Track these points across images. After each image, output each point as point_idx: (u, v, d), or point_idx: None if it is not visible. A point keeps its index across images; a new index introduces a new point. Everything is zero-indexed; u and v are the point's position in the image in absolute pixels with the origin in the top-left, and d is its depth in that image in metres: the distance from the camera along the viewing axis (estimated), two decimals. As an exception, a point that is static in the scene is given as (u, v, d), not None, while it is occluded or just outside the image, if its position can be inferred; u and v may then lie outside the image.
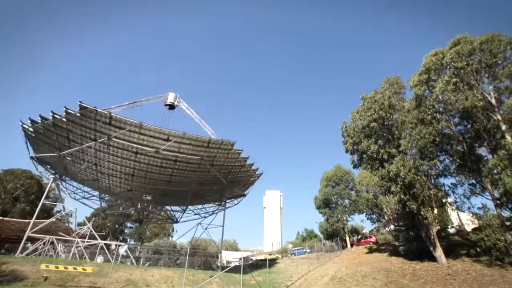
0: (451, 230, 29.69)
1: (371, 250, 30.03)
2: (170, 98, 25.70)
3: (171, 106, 25.87)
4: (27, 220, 29.29)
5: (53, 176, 25.70)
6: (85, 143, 22.10)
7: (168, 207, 38.35)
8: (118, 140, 21.33)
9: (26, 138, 22.98)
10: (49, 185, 25.78)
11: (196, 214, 36.36)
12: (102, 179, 28.94)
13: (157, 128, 21.06)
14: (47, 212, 47.56)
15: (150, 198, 33.47)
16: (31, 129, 21.76)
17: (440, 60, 19.26)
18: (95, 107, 19.33)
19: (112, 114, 20.00)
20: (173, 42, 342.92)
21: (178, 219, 38.00)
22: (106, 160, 25.27)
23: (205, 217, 34.28)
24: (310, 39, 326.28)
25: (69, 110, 19.52)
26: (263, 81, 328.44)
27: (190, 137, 21.99)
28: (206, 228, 31.61)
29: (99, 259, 23.65)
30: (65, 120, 20.47)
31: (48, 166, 26.35)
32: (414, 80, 20.79)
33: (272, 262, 29.88)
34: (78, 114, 19.69)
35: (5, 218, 28.80)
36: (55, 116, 20.10)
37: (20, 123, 21.69)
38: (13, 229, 30.42)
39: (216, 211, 33.22)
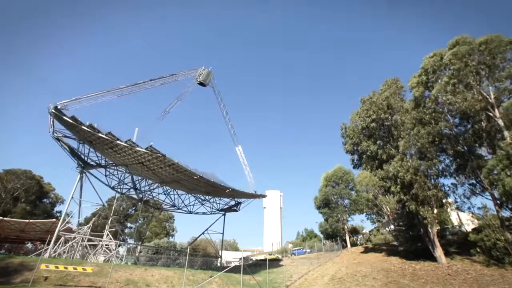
0: (451, 230, 29.73)
1: (371, 250, 30.03)
2: (204, 75, 23.76)
3: (202, 84, 24.44)
4: (27, 220, 29.29)
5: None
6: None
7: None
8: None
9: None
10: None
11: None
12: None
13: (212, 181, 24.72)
14: (46, 212, 47.70)
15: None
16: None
17: (438, 62, 19.24)
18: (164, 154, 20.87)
19: (179, 163, 21.78)
20: (173, 42, 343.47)
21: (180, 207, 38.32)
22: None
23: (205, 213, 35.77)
24: (310, 39, 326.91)
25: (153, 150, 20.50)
26: (263, 81, 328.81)
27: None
28: (206, 230, 32.16)
29: (99, 258, 23.66)
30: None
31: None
32: (413, 82, 20.81)
33: (275, 262, 29.76)
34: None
35: (5, 218, 28.69)
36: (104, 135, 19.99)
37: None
38: (13, 229, 30.38)
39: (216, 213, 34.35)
